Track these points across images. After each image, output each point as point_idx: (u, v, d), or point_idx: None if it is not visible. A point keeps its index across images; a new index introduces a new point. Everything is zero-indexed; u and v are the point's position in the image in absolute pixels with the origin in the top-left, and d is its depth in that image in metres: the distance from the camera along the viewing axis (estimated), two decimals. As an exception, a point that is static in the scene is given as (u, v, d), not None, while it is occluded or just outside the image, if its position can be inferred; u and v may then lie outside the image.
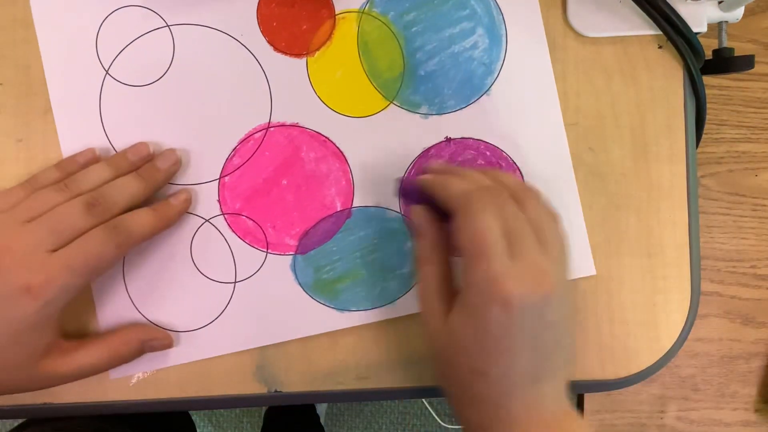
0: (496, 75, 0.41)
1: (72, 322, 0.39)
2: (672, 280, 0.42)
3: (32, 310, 0.33)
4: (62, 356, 0.36)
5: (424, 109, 0.41)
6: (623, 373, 0.42)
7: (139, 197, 0.37)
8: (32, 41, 0.39)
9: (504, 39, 0.41)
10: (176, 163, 0.39)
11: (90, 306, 0.40)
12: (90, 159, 0.38)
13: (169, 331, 0.40)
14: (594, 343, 0.42)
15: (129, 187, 0.37)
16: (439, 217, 0.36)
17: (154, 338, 0.39)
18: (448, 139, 0.41)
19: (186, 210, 0.40)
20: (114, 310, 0.40)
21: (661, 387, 0.54)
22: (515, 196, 0.35)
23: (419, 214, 0.37)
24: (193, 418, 1.16)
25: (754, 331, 0.54)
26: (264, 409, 1.10)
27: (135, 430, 0.56)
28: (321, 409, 1.18)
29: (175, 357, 0.40)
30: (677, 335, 0.42)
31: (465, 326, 0.33)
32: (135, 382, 0.40)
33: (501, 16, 0.41)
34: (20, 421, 0.50)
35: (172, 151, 0.39)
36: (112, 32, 0.39)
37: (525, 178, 0.41)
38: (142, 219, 0.37)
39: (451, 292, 0.35)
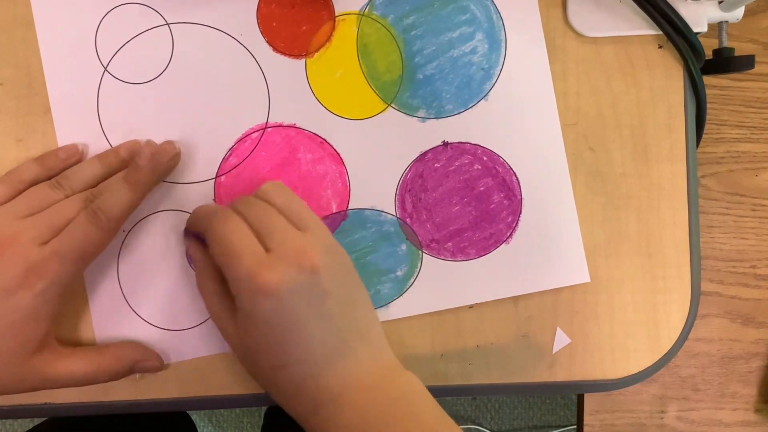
0: (494, 80, 0.41)
1: (68, 334, 0.40)
2: (672, 280, 0.42)
3: (27, 301, 0.34)
4: (53, 358, 0.36)
5: (422, 113, 0.41)
6: (623, 373, 0.42)
7: (138, 202, 0.38)
8: (32, 41, 0.39)
9: (503, 44, 0.41)
10: (175, 157, 0.39)
11: (87, 316, 0.40)
12: (71, 153, 0.38)
13: (166, 330, 0.40)
14: (594, 343, 0.41)
15: (125, 195, 0.37)
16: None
17: (146, 359, 0.39)
18: (445, 144, 0.41)
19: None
20: (108, 309, 0.40)
21: (661, 387, 0.54)
22: (259, 194, 0.36)
23: (191, 245, 0.38)
24: (193, 418, 1.16)
25: (754, 331, 0.54)
26: (264, 409, 1.10)
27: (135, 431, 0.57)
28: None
29: (172, 355, 0.40)
30: (677, 335, 0.42)
31: (248, 331, 0.34)
32: (135, 382, 0.40)
33: (501, 21, 0.41)
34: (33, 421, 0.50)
35: (170, 143, 0.39)
36: (112, 29, 0.39)
37: (521, 183, 0.41)
38: (118, 194, 0.36)
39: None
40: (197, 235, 0.38)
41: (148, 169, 0.37)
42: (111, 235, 0.37)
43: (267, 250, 0.33)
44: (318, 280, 0.33)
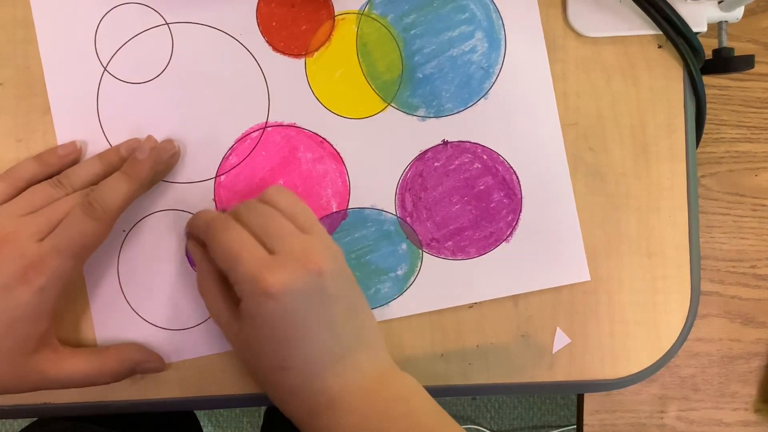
0: (494, 79, 0.41)
1: (69, 335, 0.40)
2: (672, 280, 0.42)
3: (27, 297, 0.34)
4: (54, 357, 0.36)
5: (421, 112, 0.41)
6: (623, 373, 0.42)
7: (136, 195, 0.37)
8: (32, 41, 0.39)
9: (503, 43, 0.41)
10: (174, 155, 0.39)
11: (88, 316, 0.40)
12: (70, 150, 0.38)
13: (167, 330, 0.40)
14: (594, 343, 0.41)
15: (122, 187, 0.37)
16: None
17: (147, 360, 0.39)
18: (445, 143, 0.41)
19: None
20: (109, 309, 0.40)
21: (661, 387, 0.54)
22: (262, 198, 0.36)
23: (192, 247, 0.38)
24: (194, 417, 1.15)
25: (754, 331, 0.54)
26: (264, 409, 1.10)
27: (138, 431, 0.57)
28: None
29: (172, 355, 0.40)
30: (677, 335, 0.42)
31: (252, 332, 0.34)
32: (135, 382, 0.40)
33: (500, 21, 0.41)
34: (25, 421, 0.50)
35: (169, 142, 0.39)
36: (112, 29, 0.39)
37: (521, 182, 0.41)
38: (114, 186, 0.36)
39: (236, 302, 0.35)
40: (197, 237, 0.38)
41: (146, 162, 0.37)
42: (108, 227, 0.36)
43: (271, 253, 0.33)
44: (323, 284, 0.33)
